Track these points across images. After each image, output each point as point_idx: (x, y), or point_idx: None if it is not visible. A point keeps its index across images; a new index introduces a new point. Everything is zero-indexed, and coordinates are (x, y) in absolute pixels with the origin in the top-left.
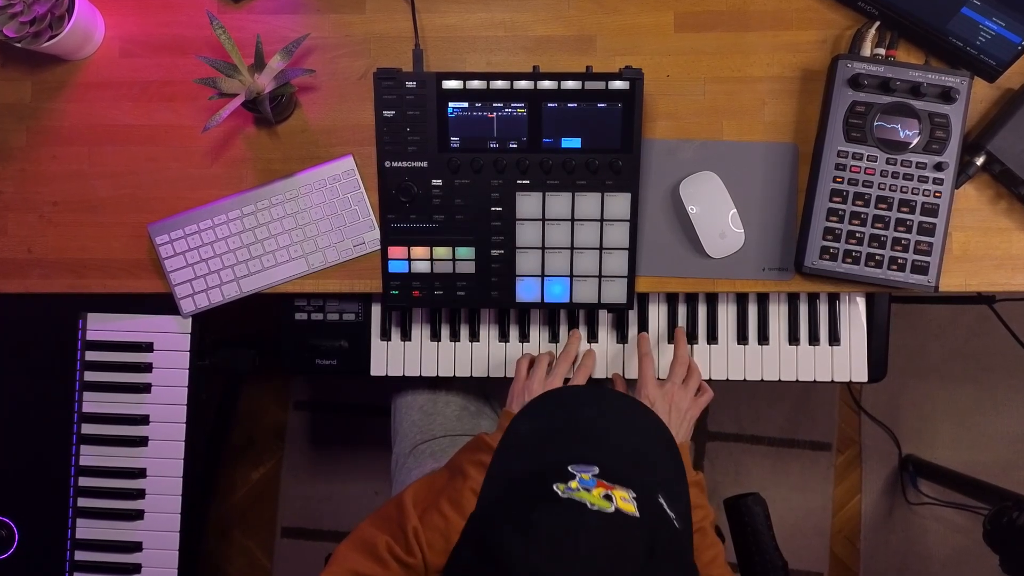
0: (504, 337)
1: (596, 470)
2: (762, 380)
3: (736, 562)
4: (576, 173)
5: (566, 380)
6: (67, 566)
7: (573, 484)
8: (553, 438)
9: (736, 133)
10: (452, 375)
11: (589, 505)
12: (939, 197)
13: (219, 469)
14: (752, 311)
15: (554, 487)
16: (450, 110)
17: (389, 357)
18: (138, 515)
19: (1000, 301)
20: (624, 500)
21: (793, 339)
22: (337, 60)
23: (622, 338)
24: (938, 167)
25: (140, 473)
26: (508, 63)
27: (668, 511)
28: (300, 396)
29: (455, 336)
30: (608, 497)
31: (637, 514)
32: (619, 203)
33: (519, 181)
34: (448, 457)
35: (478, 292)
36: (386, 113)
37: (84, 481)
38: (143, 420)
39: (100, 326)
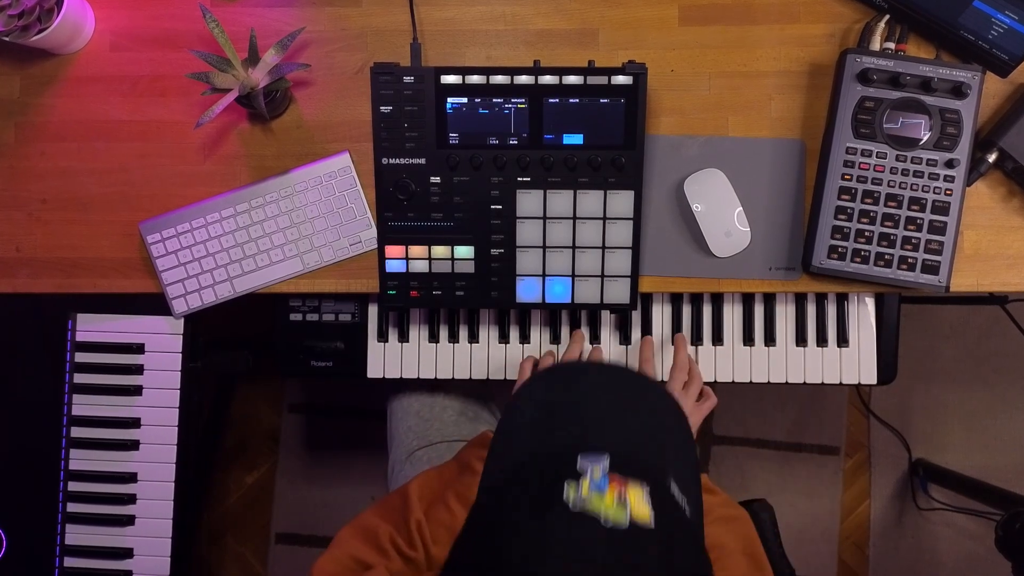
0: (504, 338)
1: (607, 461)
2: (768, 382)
3: None
4: (578, 170)
5: None
6: (56, 573)
7: (584, 487)
8: (558, 416)
9: (742, 129)
10: (451, 377)
11: (603, 521)
12: (950, 195)
13: (212, 473)
14: (758, 311)
15: (565, 490)
16: (449, 106)
17: (386, 359)
18: (129, 520)
19: (1013, 302)
20: (639, 503)
21: (800, 340)
22: (333, 54)
23: (625, 339)
24: (949, 164)
25: (131, 478)
26: (508, 57)
27: (679, 499)
28: (295, 399)
29: (454, 337)
30: (622, 502)
31: (652, 524)
32: (622, 201)
33: (520, 178)
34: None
35: (477, 292)
36: (383, 109)
37: (74, 486)
38: (134, 423)
39: (90, 327)
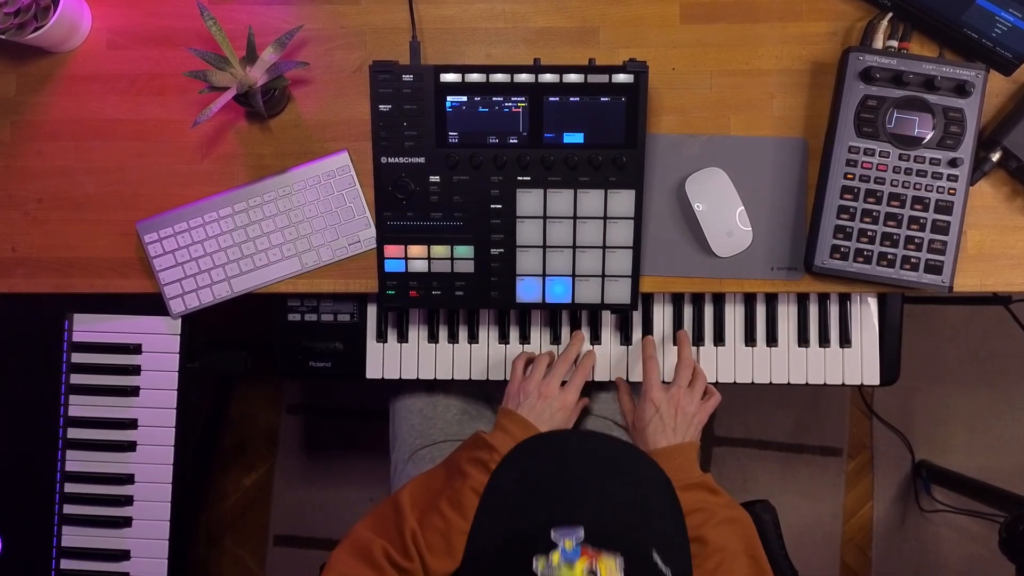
0: (504, 339)
1: (581, 533)
2: (771, 383)
3: None
4: (578, 169)
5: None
6: (53, 575)
7: (555, 558)
8: (538, 492)
9: (744, 128)
10: (450, 378)
11: None
12: (953, 194)
13: (210, 475)
14: (760, 312)
15: (534, 564)
16: (448, 104)
17: (385, 359)
18: (126, 522)
19: (1017, 302)
20: (610, 572)
21: (803, 341)
22: (332, 52)
23: (626, 340)
24: (952, 163)
25: (128, 479)
26: (508, 56)
27: (663, 569)
28: (293, 399)
29: (453, 338)
30: (592, 572)
31: None
32: (623, 200)
33: (520, 177)
34: None
35: (477, 292)
36: (382, 107)
37: (70, 487)
38: (131, 424)
39: (87, 327)
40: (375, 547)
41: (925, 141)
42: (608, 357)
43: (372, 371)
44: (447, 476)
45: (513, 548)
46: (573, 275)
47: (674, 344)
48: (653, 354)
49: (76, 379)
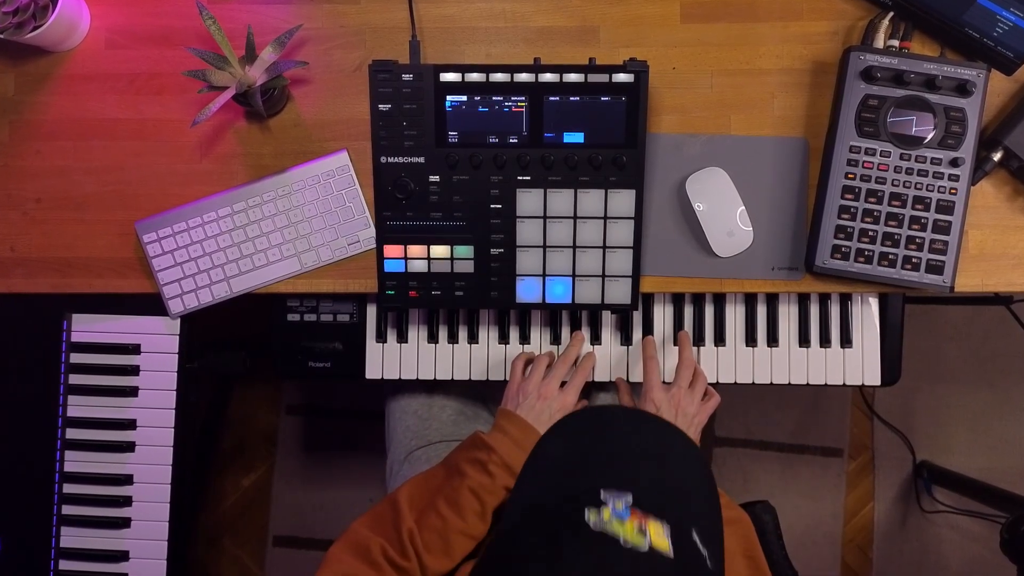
0: (504, 339)
1: (630, 498)
2: (771, 383)
3: None
4: (579, 169)
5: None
6: None
7: (606, 513)
8: (585, 461)
9: (744, 128)
10: (450, 378)
11: (623, 541)
12: (955, 194)
13: (209, 476)
14: (761, 312)
15: (585, 514)
16: (448, 104)
17: (385, 360)
18: (125, 523)
19: (1018, 302)
20: (659, 535)
21: (804, 341)
22: (331, 52)
23: (626, 340)
24: (954, 163)
25: (127, 480)
26: (508, 55)
27: (702, 550)
28: (292, 400)
29: (453, 338)
30: (642, 531)
31: (671, 554)
32: (623, 200)
33: (520, 177)
34: None
35: (477, 292)
36: (382, 107)
37: (69, 488)
38: (130, 425)
39: (85, 327)
40: (373, 545)
41: (926, 141)
42: (608, 357)
43: (371, 371)
44: (446, 476)
45: (563, 502)
46: (573, 275)
47: (675, 344)
48: (654, 354)
49: (75, 379)
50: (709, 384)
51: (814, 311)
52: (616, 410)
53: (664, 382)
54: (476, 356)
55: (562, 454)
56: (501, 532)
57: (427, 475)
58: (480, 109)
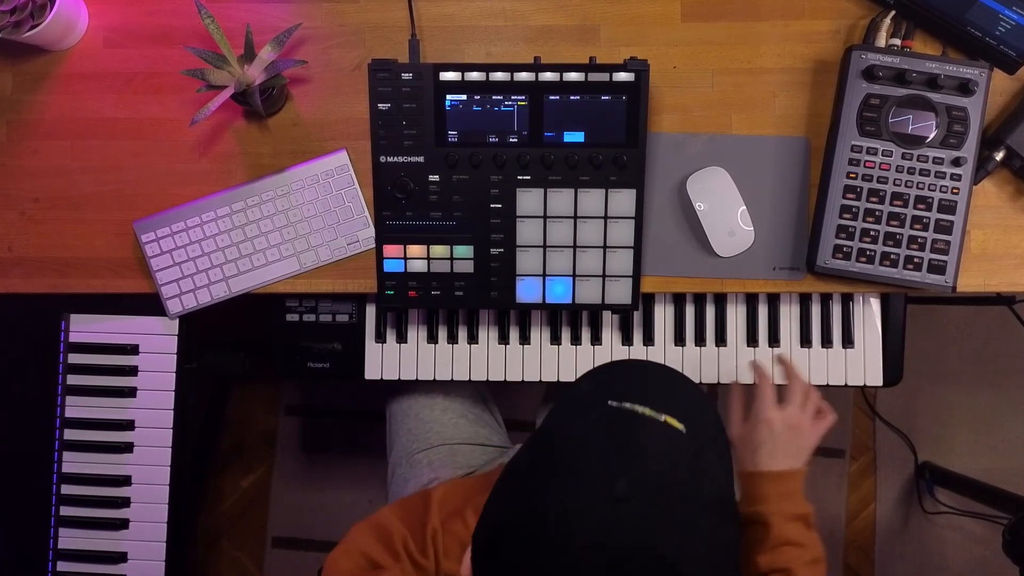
0: (504, 339)
1: (648, 409)
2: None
3: None
4: (579, 168)
5: None
6: None
7: (626, 402)
8: (609, 385)
9: (746, 127)
10: (450, 379)
11: (640, 411)
12: (957, 193)
13: (207, 477)
14: (762, 312)
15: (608, 402)
16: (448, 103)
17: (384, 360)
18: (123, 524)
19: (1021, 302)
20: (674, 420)
21: (805, 341)
22: (330, 51)
23: (627, 340)
24: (956, 162)
25: (125, 481)
26: (508, 54)
27: (715, 465)
28: (291, 400)
29: (453, 338)
30: (658, 412)
31: (684, 431)
32: (624, 200)
33: (520, 177)
34: (446, 467)
35: (477, 292)
36: (381, 106)
37: (67, 489)
38: (128, 425)
39: (83, 328)
40: (396, 533)
41: (928, 140)
42: (609, 358)
43: (371, 372)
44: (480, 486)
45: (589, 399)
46: (573, 275)
47: (676, 345)
48: (765, 373)
49: (73, 380)
50: (823, 402)
51: (815, 311)
52: (637, 361)
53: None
54: (476, 357)
55: (587, 389)
56: (539, 428)
57: (466, 481)
58: (480, 108)
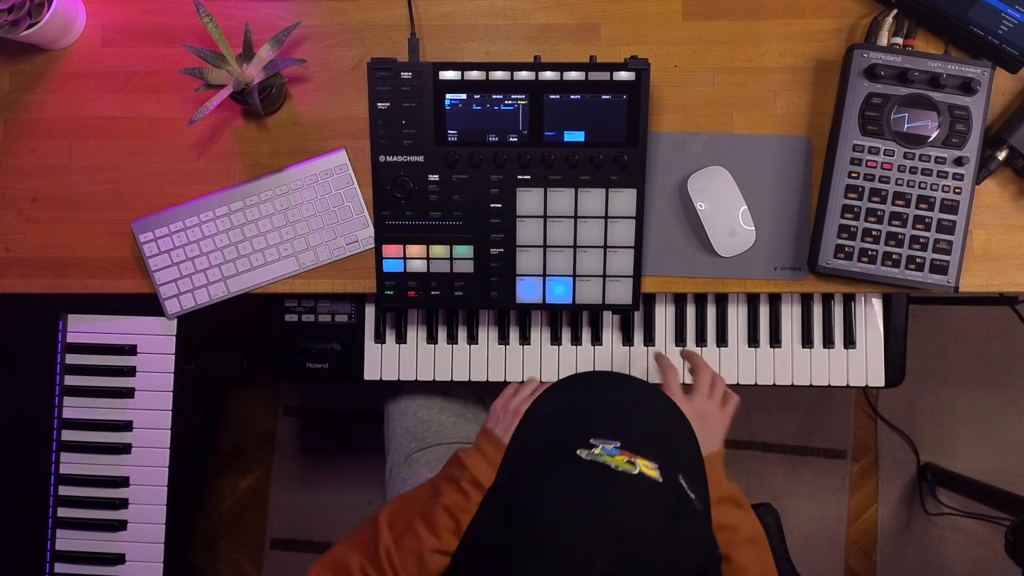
0: (504, 339)
1: (618, 443)
2: (774, 385)
3: None
4: (579, 168)
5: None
6: None
7: (596, 451)
8: (575, 417)
9: (747, 126)
10: (449, 379)
11: (613, 467)
12: (959, 193)
13: (206, 478)
14: (763, 312)
15: (577, 452)
16: (447, 102)
17: (383, 360)
18: (121, 526)
19: (1023, 302)
20: (648, 467)
21: (806, 342)
22: (329, 50)
23: (627, 340)
24: (958, 162)
25: (123, 482)
26: (508, 53)
27: (689, 492)
28: (290, 401)
29: (452, 339)
30: (631, 463)
31: (660, 479)
32: (624, 199)
33: (520, 176)
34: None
35: (477, 292)
36: (380, 105)
37: (64, 490)
38: (126, 426)
39: (81, 328)
40: (353, 563)
41: (930, 139)
42: (609, 359)
43: (370, 372)
44: (426, 495)
45: (554, 449)
46: (574, 275)
47: (677, 345)
48: (671, 363)
49: (70, 380)
50: (727, 387)
51: (817, 311)
52: (598, 373)
53: (684, 383)
54: (476, 357)
55: (551, 412)
56: (497, 480)
57: (411, 494)
58: (480, 107)
